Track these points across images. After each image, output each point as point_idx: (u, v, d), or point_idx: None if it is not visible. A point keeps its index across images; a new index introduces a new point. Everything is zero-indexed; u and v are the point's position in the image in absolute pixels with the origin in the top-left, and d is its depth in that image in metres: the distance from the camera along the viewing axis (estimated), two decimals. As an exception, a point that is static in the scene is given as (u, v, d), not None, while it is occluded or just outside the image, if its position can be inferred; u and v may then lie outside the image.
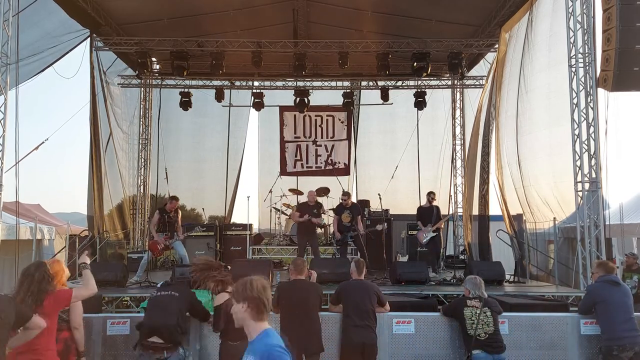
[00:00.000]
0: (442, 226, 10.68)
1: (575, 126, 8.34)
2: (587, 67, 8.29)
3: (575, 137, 8.34)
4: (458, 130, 15.15)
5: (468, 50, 12.55)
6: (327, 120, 15.58)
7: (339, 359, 5.08)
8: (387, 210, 11.96)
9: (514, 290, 8.24)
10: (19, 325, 3.41)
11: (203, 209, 14.67)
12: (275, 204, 13.28)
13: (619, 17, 7.45)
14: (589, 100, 8.23)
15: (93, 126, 11.76)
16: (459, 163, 15.00)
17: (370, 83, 15.34)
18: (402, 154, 15.24)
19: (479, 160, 12.51)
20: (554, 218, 9.77)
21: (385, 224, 9.69)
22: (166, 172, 14.40)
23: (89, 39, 11.55)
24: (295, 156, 15.49)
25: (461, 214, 14.30)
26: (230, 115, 15.44)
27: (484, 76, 13.87)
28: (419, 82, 14.72)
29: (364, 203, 12.77)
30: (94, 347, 5.17)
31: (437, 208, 10.41)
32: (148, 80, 14.91)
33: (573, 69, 8.34)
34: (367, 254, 9.38)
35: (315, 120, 15.55)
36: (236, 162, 15.54)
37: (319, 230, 12.71)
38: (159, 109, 14.96)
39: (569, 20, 8.51)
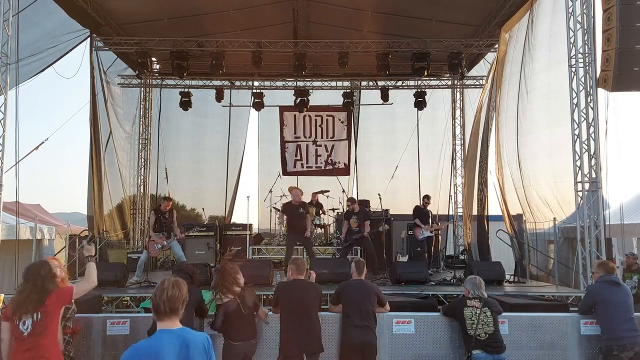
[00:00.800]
0: (442, 228, 10.74)
1: (575, 126, 8.35)
2: (587, 67, 8.29)
3: (575, 137, 8.35)
4: (458, 130, 15.16)
5: (468, 50, 12.55)
6: (327, 120, 15.59)
7: (339, 359, 5.07)
8: (387, 210, 11.96)
9: (514, 290, 8.24)
10: None
11: (203, 209, 14.67)
12: (275, 204, 13.26)
13: (619, 17, 7.46)
14: (589, 100, 8.23)
15: (93, 126, 11.76)
16: (459, 163, 15.01)
17: (370, 83, 15.35)
18: (402, 154, 15.25)
19: (479, 160, 12.51)
20: (554, 218, 9.77)
21: (387, 225, 9.69)
22: (166, 172, 14.40)
23: (89, 39, 11.55)
24: (296, 156, 15.50)
25: (461, 214, 14.31)
26: (230, 116, 15.45)
27: (484, 76, 13.87)
28: (419, 82, 14.73)
29: (364, 203, 12.76)
30: (94, 347, 5.17)
31: (432, 212, 10.68)
32: (148, 80, 14.91)
33: (573, 69, 8.34)
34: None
35: (315, 120, 15.56)
36: (236, 162, 15.56)
37: (318, 230, 12.73)
38: (159, 109, 14.99)
39: (569, 20, 8.52)
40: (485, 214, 12.39)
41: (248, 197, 11.27)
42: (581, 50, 8.32)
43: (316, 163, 15.48)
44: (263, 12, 11.97)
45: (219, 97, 14.72)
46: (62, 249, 11.50)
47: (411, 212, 10.76)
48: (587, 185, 8.24)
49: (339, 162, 15.47)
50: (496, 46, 11.90)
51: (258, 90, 14.83)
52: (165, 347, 2.66)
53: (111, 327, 5.25)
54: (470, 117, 13.83)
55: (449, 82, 15.17)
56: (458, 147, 15.03)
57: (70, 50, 10.91)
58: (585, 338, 5.37)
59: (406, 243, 12.21)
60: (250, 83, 15.21)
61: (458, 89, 15.16)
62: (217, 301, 4.66)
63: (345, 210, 10.27)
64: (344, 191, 13.51)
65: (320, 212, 12.49)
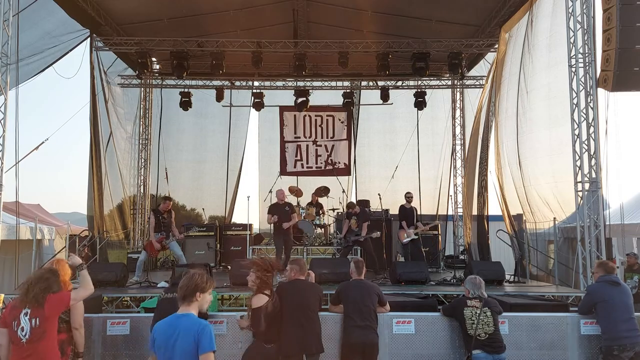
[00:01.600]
0: (426, 230, 10.66)
1: (575, 126, 8.35)
2: (587, 67, 8.29)
3: (575, 137, 8.35)
4: (458, 130, 15.16)
5: (468, 50, 12.55)
6: (327, 120, 15.58)
7: (340, 358, 5.07)
8: (387, 210, 11.96)
9: (514, 290, 8.24)
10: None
11: (203, 209, 14.68)
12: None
13: (619, 17, 7.46)
14: (589, 100, 8.23)
15: (93, 126, 11.77)
16: (459, 163, 15.01)
17: (370, 83, 15.35)
18: (402, 154, 15.26)
19: (479, 160, 12.51)
20: (554, 218, 9.78)
21: (379, 232, 9.65)
22: (166, 172, 14.40)
23: (89, 39, 11.56)
24: (296, 156, 15.49)
25: (461, 214, 14.31)
26: (230, 116, 15.46)
27: (484, 76, 13.88)
28: (419, 82, 14.73)
29: (364, 203, 12.77)
30: (94, 347, 5.16)
31: (415, 209, 10.48)
32: (148, 80, 14.91)
33: (573, 69, 8.34)
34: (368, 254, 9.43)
35: (315, 120, 15.55)
36: (236, 162, 15.57)
37: (318, 230, 12.74)
38: (160, 109, 15.00)
39: (569, 20, 8.52)
40: (485, 214, 12.39)
41: (248, 197, 11.29)
42: (581, 50, 8.32)
43: (316, 163, 15.48)
44: (263, 12, 11.97)
45: (219, 97, 14.71)
46: (62, 249, 11.50)
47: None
48: (587, 185, 8.24)
49: (339, 162, 15.46)
50: (496, 46, 11.90)
51: (258, 90, 14.84)
52: (162, 329, 3.17)
53: (111, 327, 5.24)
54: (470, 117, 13.83)
55: (449, 82, 15.17)
56: (458, 147, 15.03)
57: (71, 50, 10.93)
58: (585, 338, 5.37)
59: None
60: (250, 83, 15.21)
61: (458, 89, 15.16)
62: (254, 304, 4.48)
63: (345, 212, 10.29)
64: (344, 191, 13.51)
65: (320, 212, 12.50)
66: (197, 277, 3.32)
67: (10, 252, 8.87)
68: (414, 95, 14.56)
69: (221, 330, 5.14)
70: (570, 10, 8.54)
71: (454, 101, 15.26)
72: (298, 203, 12.93)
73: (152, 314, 4.74)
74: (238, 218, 15.93)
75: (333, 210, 13.11)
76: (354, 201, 11.83)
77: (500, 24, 11.31)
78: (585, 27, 8.32)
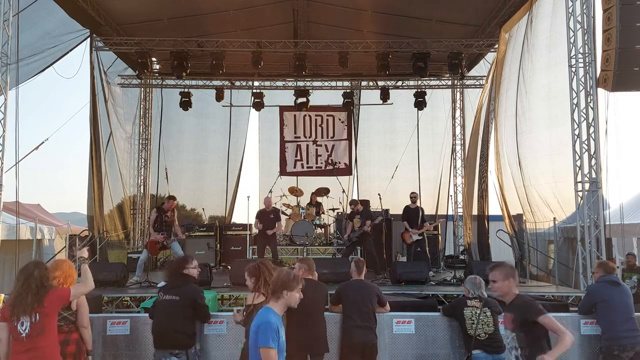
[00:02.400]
0: (430, 229, 10.61)
1: (575, 126, 8.35)
2: (587, 67, 8.29)
3: (575, 137, 8.35)
4: (458, 130, 15.16)
5: (468, 50, 12.55)
6: (327, 120, 15.58)
7: (339, 359, 5.07)
8: (387, 210, 11.96)
9: (514, 290, 8.22)
10: None
11: (203, 209, 14.68)
12: (275, 204, 13.25)
13: (619, 17, 7.46)
14: (589, 100, 8.23)
15: (93, 126, 11.78)
16: (459, 163, 15.02)
17: (371, 83, 15.35)
18: (402, 154, 15.26)
19: (479, 160, 12.52)
20: (554, 218, 9.77)
21: (381, 217, 9.72)
22: (166, 172, 14.40)
23: (89, 39, 11.56)
24: (296, 156, 15.49)
25: (461, 214, 14.31)
26: (230, 116, 15.46)
27: (484, 76, 13.88)
28: (419, 82, 14.73)
29: (364, 203, 12.76)
30: (94, 347, 5.15)
31: (422, 210, 10.35)
32: (148, 80, 14.91)
33: (573, 69, 8.34)
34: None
35: (316, 120, 15.55)
36: (236, 162, 15.56)
37: (319, 230, 12.76)
38: (160, 110, 15.00)
39: (569, 20, 8.52)
40: (485, 213, 12.40)
41: (248, 197, 11.29)
42: (581, 50, 8.32)
43: (316, 163, 15.47)
44: (263, 12, 11.97)
45: (219, 97, 14.72)
46: (62, 249, 11.50)
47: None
48: (587, 185, 8.24)
49: (339, 162, 15.46)
50: (496, 46, 11.90)
51: (258, 90, 14.84)
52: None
53: (111, 327, 5.24)
54: (470, 117, 13.83)
55: (449, 82, 15.17)
56: (458, 147, 15.03)
57: (71, 50, 10.93)
58: (585, 338, 5.37)
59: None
60: (250, 83, 15.21)
61: (458, 89, 15.16)
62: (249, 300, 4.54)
63: (347, 212, 10.31)
64: (344, 191, 13.51)
65: (320, 212, 12.50)
66: (284, 275, 3.43)
67: (10, 252, 8.87)
68: (414, 95, 14.56)
69: (221, 330, 5.14)
70: (570, 10, 8.53)
71: (454, 101, 15.26)
72: (298, 203, 12.94)
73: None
74: (238, 218, 15.92)
75: (333, 210, 13.11)
76: (357, 200, 11.82)
77: (500, 24, 11.31)
78: (585, 27, 8.32)
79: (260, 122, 16.01)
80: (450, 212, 15.11)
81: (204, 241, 11.62)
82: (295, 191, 13.29)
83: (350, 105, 15.11)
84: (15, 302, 3.71)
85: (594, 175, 8.21)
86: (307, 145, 15.53)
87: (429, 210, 14.74)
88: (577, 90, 8.30)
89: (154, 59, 14.30)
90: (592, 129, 8.21)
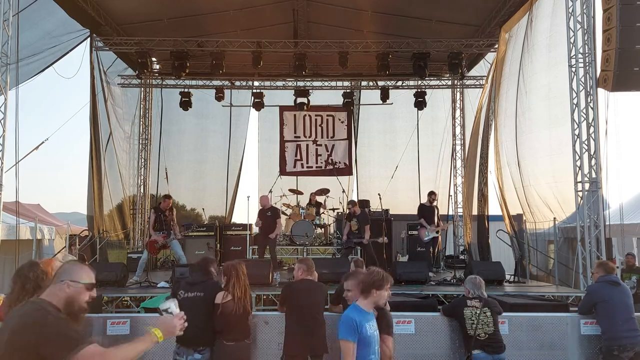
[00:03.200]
0: (446, 228, 10.63)
1: (575, 126, 8.34)
2: (587, 67, 8.29)
3: (575, 137, 8.34)
4: (458, 130, 15.16)
5: (468, 50, 12.55)
6: (327, 120, 15.58)
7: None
8: (387, 210, 11.95)
9: (514, 290, 8.24)
10: None
11: (203, 209, 14.68)
12: (275, 204, 13.24)
13: (619, 17, 7.46)
14: (589, 100, 8.23)
15: (93, 126, 11.78)
16: (459, 163, 15.02)
17: (370, 83, 15.35)
18: (402, 154, 15.26)
19: (479, 160, 12.51)
20: (554, 218, 9.77)
21: (386, 239, 9.69)
22: (166, 172, 14.39)
23: (89, 39, 11.56)
24: (296, 156, 15.48)
25: (461, 214, 14.31)
26: (231, 116, 15.46)
27: (484, 76, 13.88)
28: (419, 82, 14.72)
29: (364, 203, 12.76)
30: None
31: (438, 209, 10.38)
32: (148, 80, 14.91)
33: (573, 69, 8.34)
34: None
35: (316, 120, 15.55)
36: (236, 162, 15.57)
37: (319, 230, 12.75)
38: (160, 110, 15.00)
39: (569, 20, 8.51)
40: (485, 214, 12.39)
41: (248, 197, 11.28)
42: (581, 50, 8.32)
43: (316, 163, 15.47)
44: (263, 12, 11.97)
45: (219, 97, 14.72)
46: (62, 249, 11.50)
47: (411, 212, 10.72)
48: (587, 185, 8.24)
49: (339, 162, 15.45)
50: (496, 46, 11.90)
51: (258, 90, 14.84)
52: None
53: (111, 327, 5.23)
54: (470, 117, 13.83)
55: (449, 82, 15.17)
56: (458, 147, 15.03)
57: (71, 50, 10.93)
58: (585, 338, 5.36)
59: (406, 243, 12.21)
60: (250, 83, 15.21)
61: (458, 89, 15.16)
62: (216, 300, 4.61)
63: (346, 213, 10.29)
64: (344, 191, 13.51)
65: (320, 212, 12.50)
66: (375, 274, 3.60)
67: (10, 252, 8.86)
68: (414, 95, 14.57)
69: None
70: (570, 10, 8.53)
71: (454, 101, 15.26)
72: (298, 203, 12.94)
73: (152, 314, 4.75)
74: (238, 218, 15.95)
75: (333, 210, 13.11)
76: (355, 200, 11.81)
77: (500, 24, 11.31)
78: (585, 27, 8.32)
79: (260, 122, 16.03)
80: (451, 212, 15.11)
81: (204, 241, 11.61)
82: (295, 191, 13.30)
83: (350, 105, 15.11)
84: (12, 304, 3.68)
85: (594, 175, 8.21)
86: (307, 145, 15.52)
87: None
88: (577, 90, 8.30)
89: (154, 59, 14.29)
90: (592, 129, 8.21)
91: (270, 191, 13.38)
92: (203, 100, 15.15)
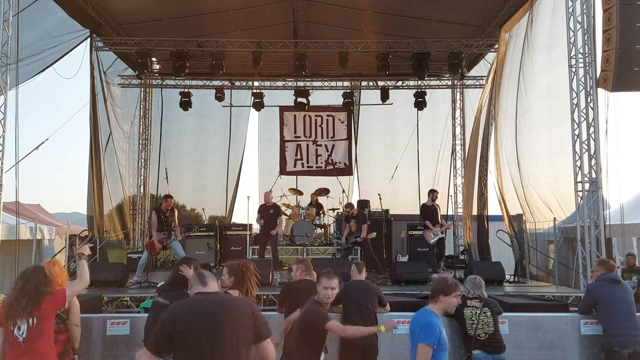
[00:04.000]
0: (450, 227, 10.55)
1: (575, 126, 8.34)
2: (587, 67, 8.29)
3: (575, 137, 8.34)
4: (458, 130, 15.15)
5: (468, 50, 12.55)
6: (327, 120, 15.57)
7: (339, 359, 5.06)
8: (387, 210, 11.96)
9: (514, 290, 8.24)
10: None
11: (203, 209, 14.68)
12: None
13: (619, 17, 7.46)
14: (589, 100, 8.23)
15: (93, 126, 11.77)
16: (459, 163, 15.01)
17: (370, 83, 15.35)
18: (402, 154, 15.26)
19: (479, 160, 12.51)
20: (554, 218, 9.77)
21: (374, 233, 9.57)
22: (166, 172, 14.39)
23: (89, 39, 11.56)
24: (296, 156, 15.48)
25: (461, 214, 14.31)
26: (231, 116, 15.46)
27: (484, 76, 13.87)
28: (419, 82, 14.72)
29: (364, 203, 12.77)
30: (94, 347, 5.16)
31: (438, 207, 10.16)
32: (148, 81, 14.91)
33: (573, 69, 8.34)
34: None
35: (316, 120, 15.54)
36: (236, 162, 15.56)
37: (319, 230, 12.75)
38: (160, 110, 14.99)
39: (569, 20, 8.51)
40: (485, 214, 12.39)
41: (248, 197, 11.28)
42: (581, 50, 8.32)
43: (316, 163, 15.46)
44: (263, 12, 11.97)
45: (219, 97, 14.71)
46: (62, 249, 11.50)
47: (411, 212, 10.69)
48: (587, 185, 8.24)
49: (340, 162, 15.45)
50: (496, 46, 11.90)
51: (258, 90, 14.83)
52: None
53: (111, 327, 5.24)
54: (471, 117, 13.82)
55: (449, 82, 15.17)
56: (458, 147, 15.03)
57: (70, 50, 10.93)
58: (585, 338, 5.37)
59: (406, 243, 12.21)
60: (250, 83, 15.21)
61: (458, 89, 15.15)
62: None
63: (344, 215, 10.26)
64: (344, 191, 13.51)
65: (320, 212, 12.50)
66: (441, 281, 3.77)
67: (10, 252, 8.86)
68: (414, 95, 14.56)
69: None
70: (570, 10, 8.53)
71: (454, 101, 15.25)
72: (298, 203, 12.93)
73: None
74: (238, 218, 15.93)
75: (333, 210, 13.11)
76: (354, 202, 11.81)
77: (500, 24, 11.30)
78: (585, 27, 8.32)
79: (260, 122, 16.02)
80: (450, 212, 15.11)
81: (204, 241, 11.62)
82: (295, 191, 13.30)
83: (350, 105, 15.10)
84: (10, 306, 3.68)
85: (594, 175, 8.21)
86: (307, 145, 15.51)
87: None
88: (577, 90, 8.30)
89: (154, 59, 14.29)
90: (592, 129, 8.21)
91: (270, 191, 13.38)
92: (203, 100, 15.14)
